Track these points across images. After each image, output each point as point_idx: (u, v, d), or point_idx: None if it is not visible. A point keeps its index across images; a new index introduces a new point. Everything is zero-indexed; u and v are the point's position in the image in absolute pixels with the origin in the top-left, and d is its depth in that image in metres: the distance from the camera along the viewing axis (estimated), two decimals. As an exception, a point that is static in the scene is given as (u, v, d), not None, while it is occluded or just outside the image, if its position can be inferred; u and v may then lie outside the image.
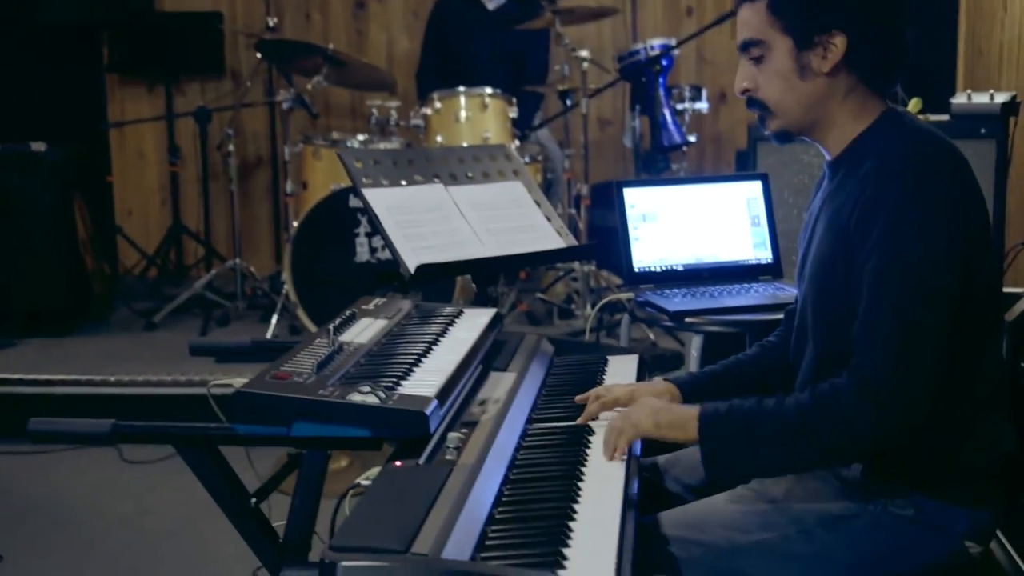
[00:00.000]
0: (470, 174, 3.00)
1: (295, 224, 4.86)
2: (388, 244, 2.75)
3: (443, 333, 2.29)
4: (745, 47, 2.00)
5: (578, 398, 2.15)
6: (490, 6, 5.55)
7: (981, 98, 3.52)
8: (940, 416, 1.80)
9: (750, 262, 2.85)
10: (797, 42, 1.94)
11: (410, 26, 6.39)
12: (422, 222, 2.83)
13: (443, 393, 1.90)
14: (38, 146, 5.23)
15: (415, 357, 2.06)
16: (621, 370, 2.49)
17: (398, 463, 1.73)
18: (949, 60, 5.05)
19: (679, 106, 5.30)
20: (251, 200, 6.58)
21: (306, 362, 1.97)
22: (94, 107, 6.40)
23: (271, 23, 5.21)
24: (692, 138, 5.34)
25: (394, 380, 1.91)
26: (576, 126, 5.30)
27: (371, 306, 2.46)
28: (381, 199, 2.79)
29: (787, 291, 2.69)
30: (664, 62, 4.90)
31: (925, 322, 1.77)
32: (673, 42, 5.02)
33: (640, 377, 2.48)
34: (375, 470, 1.80)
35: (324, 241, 4.81)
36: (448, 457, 1.76)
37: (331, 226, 4.78)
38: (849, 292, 1.87)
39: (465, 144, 4.90)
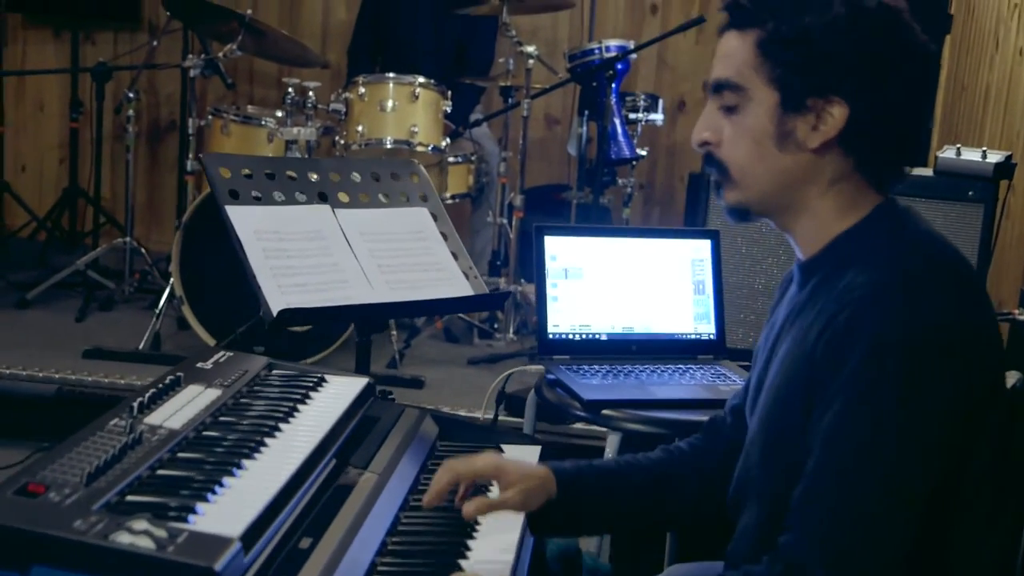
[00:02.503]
0: (365, 195, 2.50)
1: (191, 207, 4.31)
2: (250, 278, 2.24)
3: (289, 415, 1.78)
4: (718, 88, 1.51)
5: (426, 500, 1.68)
6: None
7: (972, 155, 3.06)
8: None
9: (689, 337, 2.37)
10: (784, 100, 1.46)
11: (350, -7, 5.83)
12: (297, 252, 2.33)
13: (255, 531, 1.40)
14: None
15: (234, 461, 1.56)
16: (518, 465, 2.01)
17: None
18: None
19: (631, 115, 4.80)
20: (160, 168, 6.01)
21: (80, 464, 1.46)
22: (-12, 49, 5.79)
23: (185, -23, 4.63)
24: (643, 152, 4.85)
25: (191, 503, 1.41)
26: (517, 127, 4.78)
27: (209, 364, 1.94)
28: (248, 220, 2.29)
29: (730, 380, 2.22)
30: (619, 66, 4.40)
31: (882, 508, 1.33)
32: (631, 45, 4.52)
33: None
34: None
35: (221, 231, 4.23)
36: (242, 638, 1.27)
37: (231, 214, 4.20)
38: (808, 443, 1.41)
39: (389, 138, 4.38)
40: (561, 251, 2.31)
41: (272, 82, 5.92)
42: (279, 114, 4.57)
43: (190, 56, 4.66)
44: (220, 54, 4.47)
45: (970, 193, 3.02)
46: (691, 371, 2.25)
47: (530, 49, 4.47)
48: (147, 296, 4.93)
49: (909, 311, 1.35)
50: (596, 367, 2.23)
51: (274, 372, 2.00)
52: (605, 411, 2.07)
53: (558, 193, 5.19)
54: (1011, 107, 4.05)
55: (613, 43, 4.49)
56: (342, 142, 4.45)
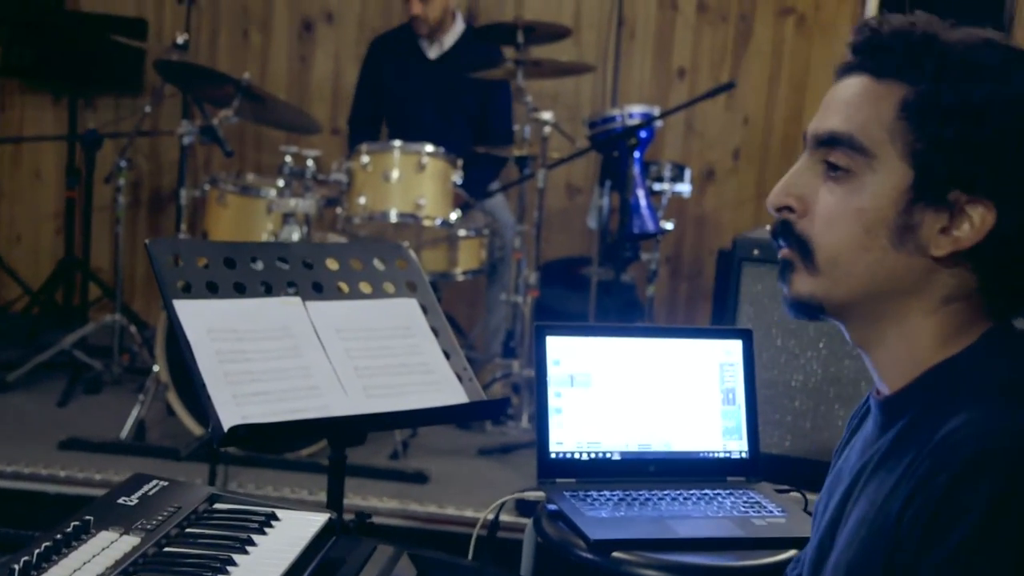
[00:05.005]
0: (344, 284, 2.16)
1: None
2: (198, 386, 1.90)
3: (220, 572, 1.43)
4: (828, 142, 1.15)
5: None
6: (431, 55, 4.71)
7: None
8: None
9: (717, 455, 2.00)
10: (919, 184, 1.10)
11: (362, 56, 5.56)
12: (258, 354, 1.98)
13: None
14: None
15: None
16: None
17: None
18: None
19: (656, 186, 4.48)
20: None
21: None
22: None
23: (180, 40, 4.36)
24: (668, 225, 4.51)
25: None
26: (533, 199, 4.46)
27: (133, 499, 1.60)
28: (199, 316, 1.94)
29: (767, 511, 1.85)
30: (642, 134, 4.08)
31: None
32: (656, 111, 4.20)
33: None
34: None
35: (211, 310, 3.93)
36: None
37: (222, 293, 3.88)
38: None
39: (394, 211, 4.06)
40: (566, 354, 1.95)
41: (279, 150, 5.65)
42: (281, 184, 4.27)
43: (183, 122, 4.38)
44: (215, 120, 4.18)
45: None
46: (719, 498, 1.88)
47: (546, 116, 4.16)
48: (137, 378, 4.61)
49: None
50: (607, 493, 1.87)
51: (216, 506, 1.65)
52: (616, 553, 1.70)
53: (578, 268, 4.86)
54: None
55: (636, 109, 4.17)
56: (344, 215, 4.14)
